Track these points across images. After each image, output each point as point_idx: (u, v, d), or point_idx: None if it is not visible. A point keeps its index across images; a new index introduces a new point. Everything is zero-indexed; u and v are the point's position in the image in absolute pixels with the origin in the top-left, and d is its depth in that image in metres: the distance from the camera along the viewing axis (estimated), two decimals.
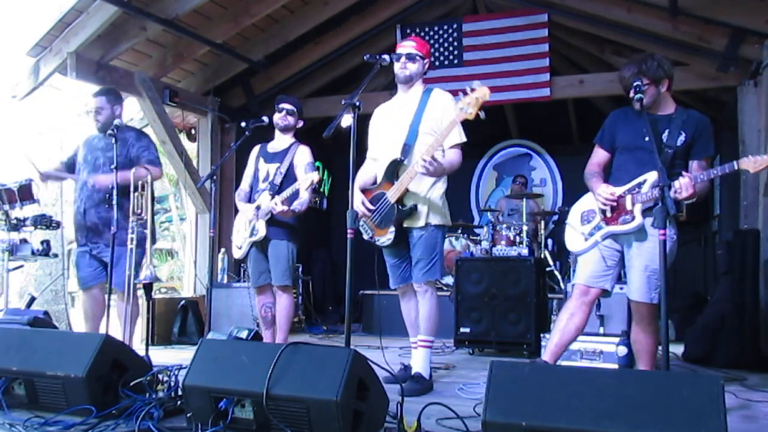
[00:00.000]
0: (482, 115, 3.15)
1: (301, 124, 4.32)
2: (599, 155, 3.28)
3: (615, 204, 3.06)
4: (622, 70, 3.12)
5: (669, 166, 2.96)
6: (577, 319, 3.14)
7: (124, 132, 4.23)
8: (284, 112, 4.21)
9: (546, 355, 3.18)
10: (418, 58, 3.46)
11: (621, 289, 3.52)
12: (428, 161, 3.15)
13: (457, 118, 3.19)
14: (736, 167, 2.77)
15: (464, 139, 3.38)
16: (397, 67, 3.46)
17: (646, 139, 3.03)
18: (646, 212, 2.98)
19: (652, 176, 2.97)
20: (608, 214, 3.09)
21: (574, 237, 3.27)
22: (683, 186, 2.82)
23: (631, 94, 2.98)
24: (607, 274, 3.14)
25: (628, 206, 3.02)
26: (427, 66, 3.53)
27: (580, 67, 7.29)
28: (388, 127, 3.54)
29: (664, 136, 3.03)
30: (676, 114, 3.09)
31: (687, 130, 3.03)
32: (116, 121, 4.05)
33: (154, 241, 3.87)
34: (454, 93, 3.28)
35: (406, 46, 3.48)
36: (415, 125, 3.40)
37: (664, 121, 3.08)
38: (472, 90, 3.15)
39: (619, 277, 3.23)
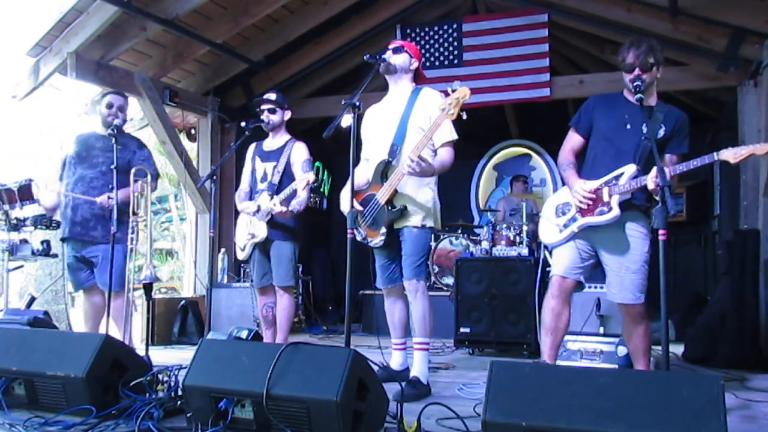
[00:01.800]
0: (464, 115, 3.14)
1: (288, 115, 4.26)
2: (573, 141, 3.24)
3: (592, 200, 3.04)
4: (629, 50, 2.99)
5: (647, 160, 2.95)
6: (564, 317, 3.15)
7: (125, 137, 4.23)
8: (265, 112, 4.18)
9: (545, 358, 3.18)
10: (404, 51, 3.48)
11: None
12: (415, 161, 3.12)
13: (439, 119, 3.19)
14: (716, 158, 2.75)
15: (455, 137, 3.36)
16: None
17: (628, 127, 3.01)
18: (623, 205, 2.97)
19: (629, 169, 2.96)
20: (584, 207, 3.07)
21: (548, 229, 3.25)
22: (650, 178, 2.81)
23: (633, 92, 2.95)
24: (582, 266, 3.14)
25: (605, 198, 3.00)
26: (415, 65, 3.52)
27: (580, 67, 7.29)
28: (377, 127, 3.53)
29: (644, 127, 2.98)
30: (657, 107, 3.07)
31: (667, 124, 3.02)
32: (116, 121, 4.06)
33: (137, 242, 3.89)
34: (446, 92, 3.28)
35: (394, 42, 3.57)
36: (402, 125, 3.39)
37: (646, 111, 3.03)
38: (453, 90, 3.15)
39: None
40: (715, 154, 2.76)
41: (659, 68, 3.04)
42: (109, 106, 4.17)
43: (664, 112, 3.04)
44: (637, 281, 2.99)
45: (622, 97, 3.13)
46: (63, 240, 4.15)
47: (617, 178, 2.99)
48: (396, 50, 3.47)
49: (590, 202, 3.04)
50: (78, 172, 4.12)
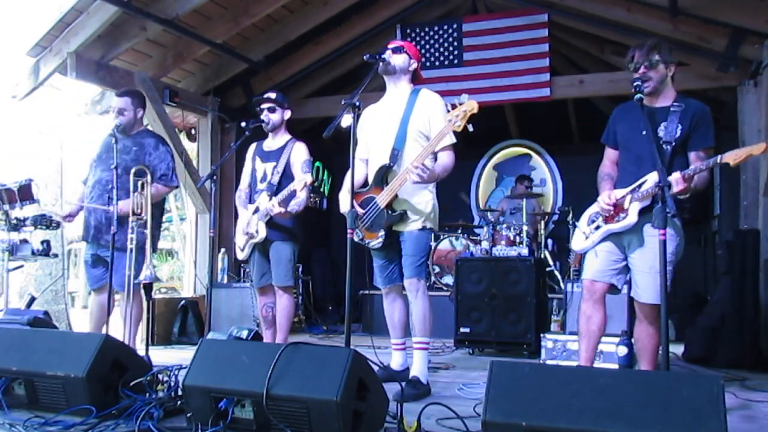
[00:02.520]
0: (470, 128, 3.16)
1: (288, 114, 4.25)
2: (609, 154, 3.29)
3: (613, 208, 3.06)
4: (634, 51, 3.04)
5: (669, 164, 2.94)
6: (595, 320, 3.15)
7: (144, 136, 4.20)
8: (264, 111, 4.17)
9: (581, 362, 3.18)
10: (404, 52, 3.47)
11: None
12: (420, 168, 3.14)
13: (445, 129, 3.20)
14: (719, 160, 2.74)
15: (454, 140, 3.36)
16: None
17: (643, 133, 3.00)
18: (644, 211, 2.97)
19: (653, 176, 2.95)
20: (608, 215, 3.10)
21: (578, 237, 3.32)
22: (673, 181, 2.80)
23: (634, 89, 2.93)
24: (613, 269, 3.14)
25: (626, 205, 3.03)
26: (414, 66, 3.52)
27: (580, 67, 7.29)
28: (375, 129, 3.52)
29: (660, 130, 2.98)
30: (673, 105, 3.05)
31: (683, 122, 3.00)
32: (116, 121, 4.04)
33: (155, 246, 3.86)
34: (453, 93, 3.28)
35: (394, 42, 3.57)
36: (403, 129, 3.39)
37: (661, 113, 3.03)
38: (461, 103, 3.16)
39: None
40: (718, 157, 2.75)
41: (669, 66, 3.04)
42: (113, 110, 4.17)
43: (681, 109, 3.02)
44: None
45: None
46: (83, 240, 4.18)
47: (641, 186, 3.00)
48: (396, 50, 3.46)
49: (612, 210, 3.06)
50: (97, 174, 4.11)
